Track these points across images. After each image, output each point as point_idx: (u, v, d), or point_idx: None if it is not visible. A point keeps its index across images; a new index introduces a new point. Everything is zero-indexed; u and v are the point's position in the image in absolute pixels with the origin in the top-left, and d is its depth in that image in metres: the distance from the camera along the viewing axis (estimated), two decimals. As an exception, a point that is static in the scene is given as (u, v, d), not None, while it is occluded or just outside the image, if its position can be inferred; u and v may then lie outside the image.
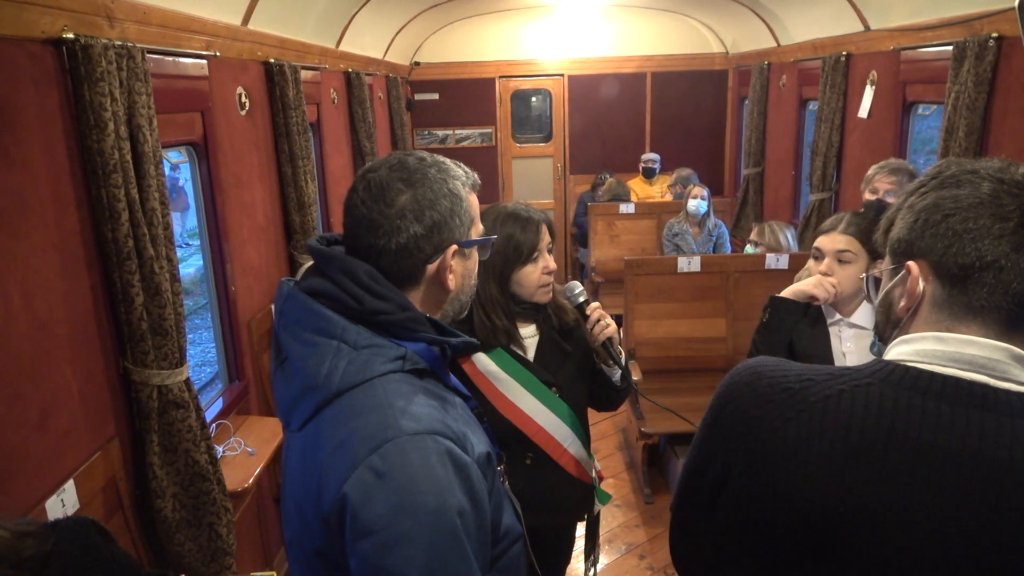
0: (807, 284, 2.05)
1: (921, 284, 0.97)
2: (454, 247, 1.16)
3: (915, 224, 0.98)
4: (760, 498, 0.95)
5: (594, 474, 2.16)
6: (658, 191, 7.04)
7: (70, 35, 1.89)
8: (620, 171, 7.22)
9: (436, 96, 7.48)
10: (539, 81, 7.57)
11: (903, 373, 0.94)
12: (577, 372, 2.09)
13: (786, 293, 2.09)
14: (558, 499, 2.05)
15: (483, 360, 1.97)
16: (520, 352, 2.00)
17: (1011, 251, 0.91)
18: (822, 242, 2.11)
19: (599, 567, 2.32)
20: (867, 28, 4.41)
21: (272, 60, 3.39)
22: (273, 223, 3.49)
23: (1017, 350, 0.93)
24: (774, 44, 6.01)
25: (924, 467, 0.88)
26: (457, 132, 7.58)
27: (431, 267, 1.15)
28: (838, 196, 5.05)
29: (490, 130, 7.58)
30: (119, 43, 2.03)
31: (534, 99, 7.81)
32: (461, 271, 1.21)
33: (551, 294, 2.03)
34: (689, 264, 4.03)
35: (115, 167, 1.97)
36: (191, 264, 9.30)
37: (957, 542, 0.87)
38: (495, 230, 1.95)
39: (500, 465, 1.34)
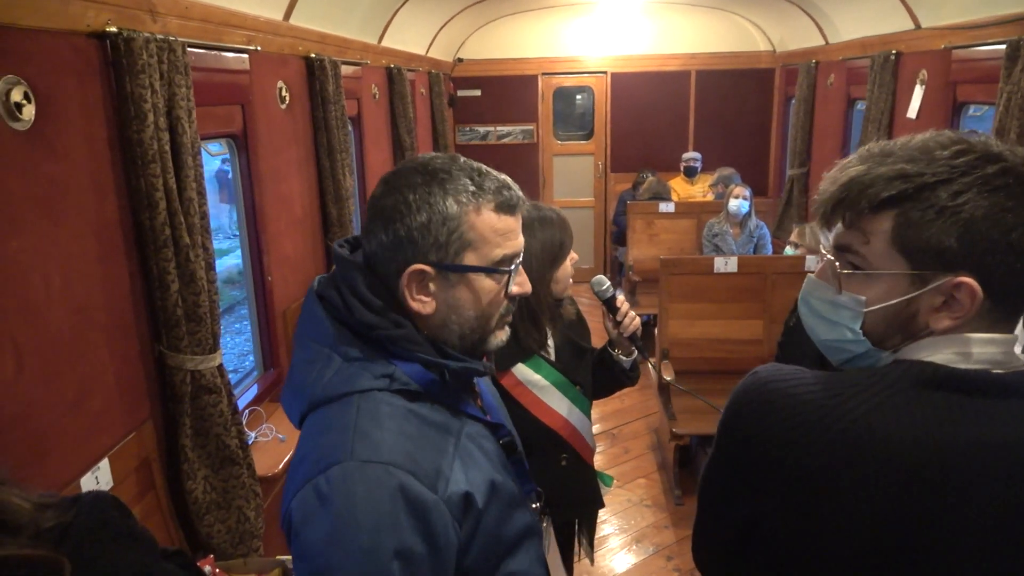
0: None
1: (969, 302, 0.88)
2: (416, 266, 1.02)
3: (965, 235, 0.86)
4: (805, 535, 0.90)
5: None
6: (699, 191, 6.96)
7: (113, 29, 1.95)
8: (661, 170, 7.15)
9: (478, 92, 7.51)
10: (581, 78, 7.54)
11: (933, 372, 0.89)
12: (588, 366, 2.10)
13: None
14: (583, 493, 2.08)
15: (523, 371, 1.96)
16: (548, 355, 2.01)
17: None
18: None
19: (609, 564, 2.32)
20: (918, 26, 4.29)
21: (313, 55, 3.45)
22: (310, 215, 3.55)
23: (1011, 336, 0.91)
24: (822, 42, 5.88)
25: (980, 465, 0.86)
26: (498, 129, 7.60)
27: (402, 283, 1.04)
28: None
29: (531, 127, 7.58)
30: (160, 37, 2.09)
31: (579, 97, 7.77)
32: (444, 298, 1.05)
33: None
34: (726, 264, 3.98)
35: (154, 157, 2.02)
36: (238, 255, 9.50)
37: (1017, 531, 0.85)
38: (538, 235, 1.92)
39: (537, 502, 1.22)
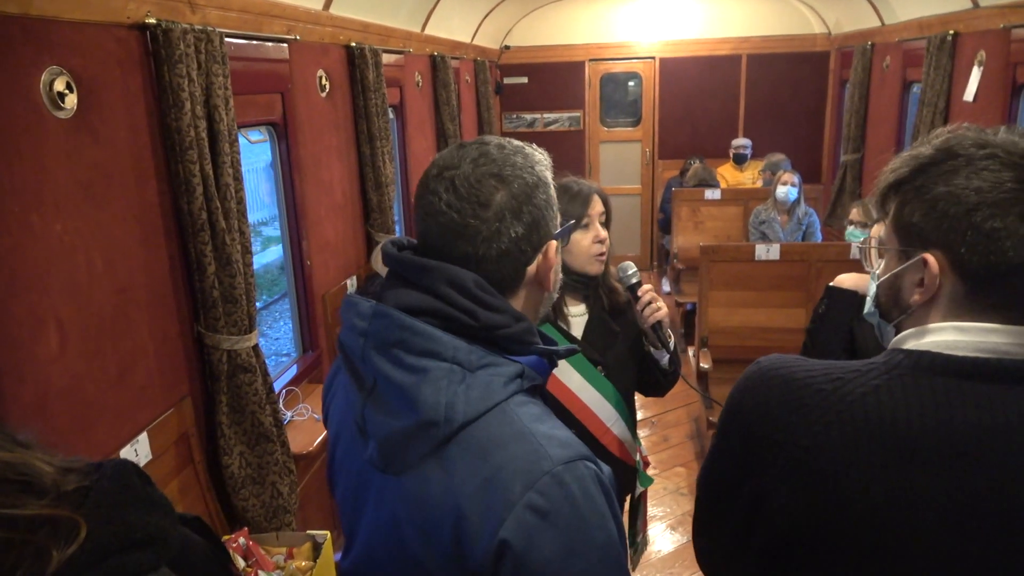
0: None
1: (938, 278, 0.93)
2: (553, 243, 1.04)
3: (931, 213, 0.92)
4: (808, 510, 0.92)
5: (638, 458, 2.16)
6: (749, 178, 6.83)
7: (152, 20, 2.03)
8: (710, 157, 7.04)
9: (525, 80, 7.51)
10: (629, 64, 7.46)
11: (932, 359, 0.92)
12: (626, 354, 2.08)
13: (847, 283, 2.00)
14: None
15: (556, 341, 1.98)
16: (566, 328, 2.01)
17: None
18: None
19: (649, 548, 2.31)
20: (976, 5, 4.12)
21: (353, 44, 3.51)
22: (351, 201, 3.63)
23: (1020, 328, 0.90)
24: (878, 23, 5.69)
25: (975, 448, 0.87)
26: (545, 116, 7.59)
27: (531, 268, 1.02)
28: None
29: (578, 114, 7.55)
30: (199, 27, 2.17)
31: (631, 83, 7.69)
32: (554, 267, 1.07)
33: (603, 266, 2.02)
34: (768, 252, 3.91)
35: (191, 144, 2.10)
36: (290, 242, 9.71)
37: (1020, 520, 0.86)
38: None
39: None
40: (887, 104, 5.60)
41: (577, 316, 2.05)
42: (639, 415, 4.67)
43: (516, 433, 0.90)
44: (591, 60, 7.42)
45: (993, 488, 0.87)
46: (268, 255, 10.03)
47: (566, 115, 7.57)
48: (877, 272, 1.07)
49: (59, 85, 1.75)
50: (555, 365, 1.05)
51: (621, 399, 2.06)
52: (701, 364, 3.72)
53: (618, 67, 7.51)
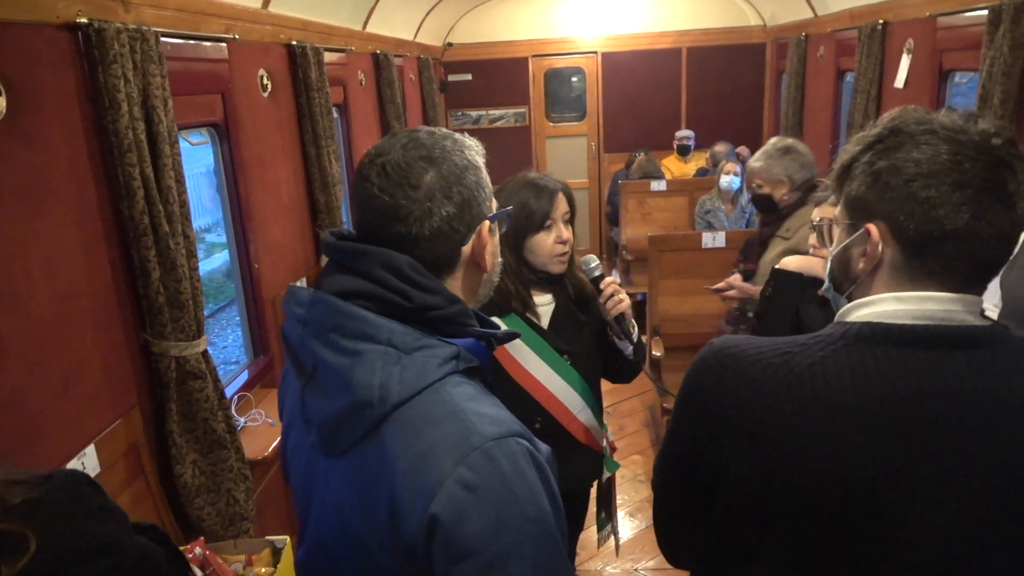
0: (819, 264, 2.02)
1: (881, 247, 0.98)
2: (487, 223, 1.07)
3: (874, 185, 0.97)
4: (767, 477, 0.96)
5: (605, 444, 2.19)
6: (693, 169, 6.95)
7: (84, 19, 1.96)
8: (655, 149, 7.13)
9: (469, 77, 7.50)
10: (572, 59, 7.51)
11: (872, 329, 0.96)
12: (591, 343, 2.11)
13: (792, 266, 2.06)
14: (564, 466, 2.07)
15: (498, 325, 2.00)
16: (534, 319, 2.03)
17: (971, 219, 0.91)
18: (828, 213, 2.07)
19: (618, 534, 2.34)
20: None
21: (295, 42, 3.46)
22: (298, 202, 3.57)
23: (970, 297, 0.96)
24: (811, 15, 5.85)
25: (916, 413, 0.91)
26: (491, 112, 7.59)
27: (466, 249, 1.06)
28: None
29: (524, 110, 7.58)
30: (133, 27, 2.10)
31: (574, 79, 7.74)
32: (491, 248, 1.11)
33: (566, 265, 2.04)
34: (714, 240, 3.99)
35: (130, 146, 2.04)
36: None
37: (961, 477, 0.91)
38: (511, 197, 1.97)
39: None
40: (823, 93, 5.76)
41: (544, 306, 2.07)
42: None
43: (448, 412, 0.93)
44: (534, 56, 7.46)
45: (932, 450, 0.91)
46: (213, 262, 9.81)
47: (512, 111, 7.59)
48: (829, 247, 1.12)
49: (-13, 88, 1.69)
50: (493, 348, 1.07)
51: (587, 387, 2.09)
52: (653, 352, 3.78)
53: (561, 62, 7.57)
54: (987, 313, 2.84)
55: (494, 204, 1.11)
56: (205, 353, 2.33)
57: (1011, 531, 0.93)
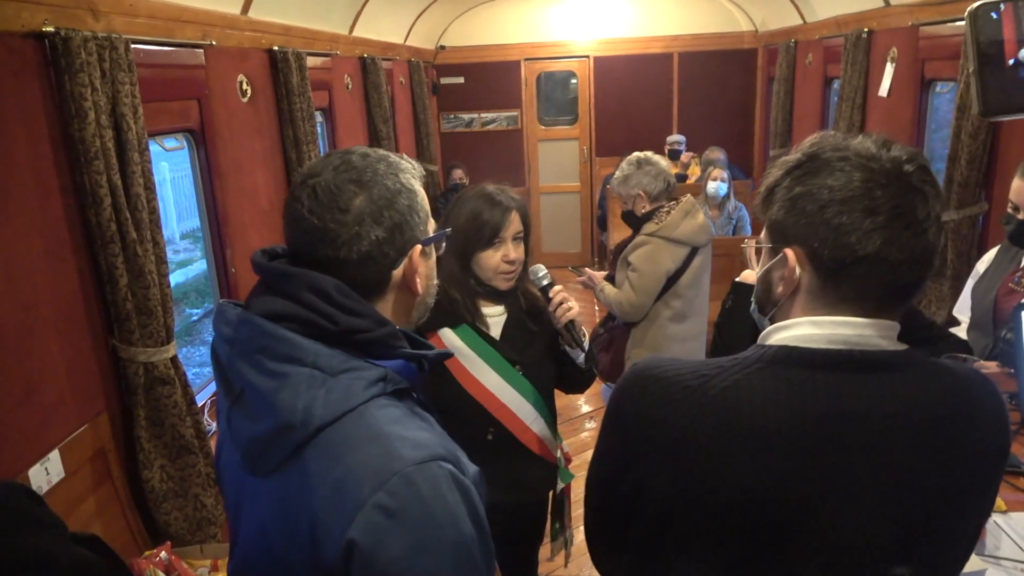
0: None
1: (798, 271, 0.99)
2: (419, 247, 1.07)
3: (792, 210, 0.98)
4: (680, 498, 0.97)
5: (559, 454, 2.19)
6: (691, 175, 6.95)
7: (50, 28, 1.98)
8: (646, 153, 7.15)
9: (461, 80, 7.51)
10: (565, 63, 7.53)
11: (787, 353, 0.98)
12: (543, 352, 2.12)
13: (751, 278, 2.07)
14: (518, 476, 2.09)
15: (448, 336, 2.01)
16: (484, 329, 2.03)
17: (882, 245, 0.93)
18: None
19: (570, 545, 2.34)
20: (887, 3, 4.28)
21: (276, 48, 3.47)
22: (277, 208, 3.58)
23: (883, 322, 0.97)
24: (800, 21, 5.87)
25: (826, 436, 0.93)
26: (483, 115, 7.61)
27: (396, 272, 1.06)
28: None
29: (516, 113, 7.59)
30: (102, 35, 2.12)
31: (568, 82, 7.75)
32: (425, 271, 1.11)
33: (512, 283, 2.05)
34: (695, 247, 3.99)
35: (96, 154, 2.06)
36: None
37: (870, 498, 0.93)
38: (466, 206, 1.98)
39: None
40: (810, 100, 5.78)
41: (495, 317, 2.08)
42: (585, 408, 4.73)
43: (370, 435, 0.93)
44: (526, 59, 7.47)
45: (842, 472, 0.93)
46: (204, 264, 9.79)
47: (504, 114, 7.60)
48: (755, 271, 1.14)
49: (-53, 97, 1.70)
50: (425, 370, 1.07)
51: (540, 397, 2.09)
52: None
53: (553, 66, 7.58)
54: (960, 320, 2.84)
55: (430, 227, 1.12)
56: (174, 359, 2.35)
57: (920, 550, 0.95)
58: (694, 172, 6.82)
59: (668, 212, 3.05)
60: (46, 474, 1.97)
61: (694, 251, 3.07)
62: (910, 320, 2.15)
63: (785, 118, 6.11)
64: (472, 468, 1.01)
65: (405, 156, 1.12)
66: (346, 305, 0.99)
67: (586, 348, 2.04)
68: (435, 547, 0.89)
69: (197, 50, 2.82)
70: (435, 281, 1.17)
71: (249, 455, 0.99)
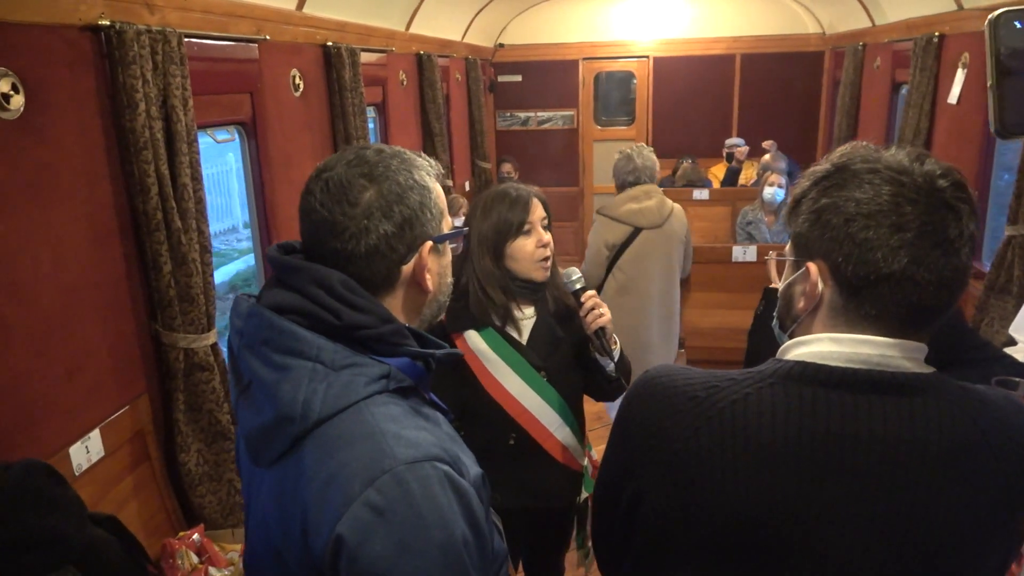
0: None
1: (820, 286, 0.95)
2: (429, 244, 1.06)
3: (816, 223, 0.94)
4: (679, 510, 0.94)
5: (586, 462, 2.16)
6: (742, 177, 6.80)
7: (105, 22, 2.04)
8: (704, 156, 7.03)
9: (519, 78, 7.51)
10: (623, 63, 7.44)
11: (803, 369, 0.94)
12: (571, 359, 2.08)
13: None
14: (539, 483, 2.06)
15: (473, 338, 2.00)
16: (514, 333, 2.02)
17: (908, 263, 0.88)
18: None
19: (590, 555, 2.31)
20: (960, 7, 4.10)
21: (330, 43, 3.52)
22: (326, 200, 3.64)
23: (908, 343, 0.93)
24: (869, 24, 5.67)
25: (835, 458, 0.89)
26: (539, 114, 7.59)
27: (406, 268, 1.05)
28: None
29: (572, 112, 7.54)
30: (156, 29, 2.18)
31: (627, 82, 7.66)
32: (437, 269, 1.10)
33: (548, 272, 2.02)
34: (745, 253, 3.91)
35: (145, 144, 2.12)
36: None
37: (876, 526, 0.88)
38: (486, 211, 1.97)
39: None
40: (877, 105, 5.57)
41: (526, 319, 2.06)
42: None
43: (366, 432, 0.92)
44: (585, 59, 7.41)
45: (849, 495, 0.88)
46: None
47: (559, 114, 7.57)
48: (778, 284, 1.10)
49: (3, 86, 1.77)
50: (431, 368, 1.06)
51: (565, 404, 2.06)
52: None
53: (612, 66, 7.50)
54: (1017, 340, 2.70)
55: (446, 225, 1.11)
56: (214, 346, 2.40)
57: None
58: (749, 176, 6.66)
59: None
60: (86, 452, 2.04)
61: (637, 231, 3.39)
62: (960, 339, 2.06)
63: (850, 123, 5.91)
64: (474, 471, 1.00)
65: (423, 154, 1.12)
66: (351, 300, 0.99)
67: (615, 357, 1.99)
68: (421, 547, 0.88)
69: (251, 44, 2.88)
70: (449, 280, 1.16)
71: (252, 446, 1.00)
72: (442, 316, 1.20)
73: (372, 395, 0.96)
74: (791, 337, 1.02)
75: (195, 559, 2.25)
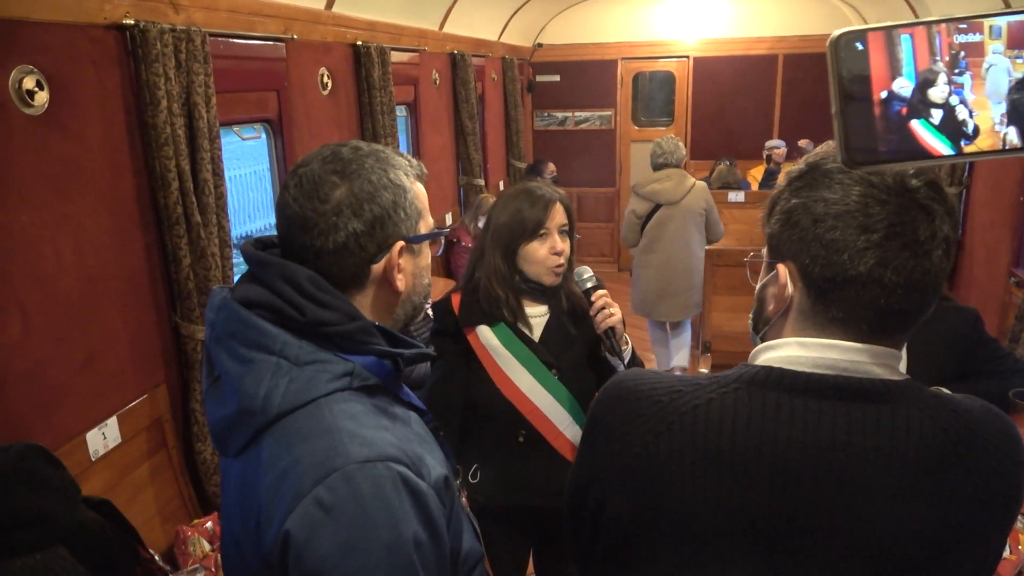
0: None
1: (789, 288, 0.93)
2: (400, 243, 1.05)
3: (787, 223, 0.91)
4: (636, 517, 0.94)
5: None
6: (783, 180, 6.67)
7: (130, 21, 2.11)
8: (744, 158, 6.91)
9: (557, 78, 7.49)
10: (663, 63, 7.37)
11: (767, 374, 0.92)
12: (583, 358, 2.07)
13: None
14: (550, 480, 2.04)
15: (485, 333, 2.00)
16: (526, 330, 2.01)
17: (875, 265, 0.85)
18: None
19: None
20: (1007, 4, 3.96)
21: (360, 43, 3.57)
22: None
23: (878, 348, 0.90)
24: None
25: (798, 466, 0.87)
26: (576, 114, 7.56)
27: (376, 267, 1.05)
28: (968, 191, 4.60)
29: (609, 113, 7.50)
30: (180, 28, 2.24)
31: (667, 82, 7.57)
32: (411, 269, 1.09)
33: (559, 278, 2.01)
34: (774, 257, 3.83)
35: (167, 140, 2.18)
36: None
37: (840, 537, 0.86)
38: (506, 206, 1.97)
39: (456, 480, 1.22)
40: (922, 107, 5.41)
41: (538, 317, 2.05)
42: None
43: (323, 429, 0.93)
44: (623, 59, 7.36)
45: (811, 504, 0.86)
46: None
47: (597, 114, 7.53)
48: (755, 285, 1.07)
49: (28, 83, 1.84)
50: (400, 367, 1.06)
51: (576, 403, 2.05)
52: (700, 369, 3.67)
53: (651, 66, 7.43)
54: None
55: (424, 226, 1.10)
56: (232, 338, 2.45)
57: None
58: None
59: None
60: (103, 439, 2.11)
61: (658, 206, 4.41)
62: (980, 350, 1.98)
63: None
64: (437, 472, 1.00)
65: (404, 153, 1.12)
66: (316, 296, 0.99)
67: (625, 358, 1.97)
68: (367, 547, 0.87)
69: (278, 43, 2.94)
70: (425, 281, 1.14)
71: (217, 437, 1.02)
72: (419, 316, 1.20)
73: (333, 392, 0.96)
74: (763, 340, 1.00)
75: (207, 547, 2.30)
